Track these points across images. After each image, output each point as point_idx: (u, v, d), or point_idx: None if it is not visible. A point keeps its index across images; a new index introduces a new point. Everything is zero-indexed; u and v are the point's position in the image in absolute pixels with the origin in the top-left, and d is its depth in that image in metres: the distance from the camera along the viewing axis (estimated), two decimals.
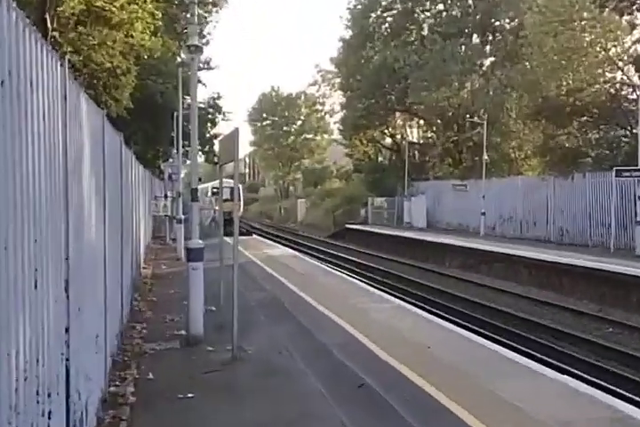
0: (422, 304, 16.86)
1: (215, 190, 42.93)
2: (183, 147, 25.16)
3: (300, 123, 76.35)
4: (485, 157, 33.96)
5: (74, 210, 4.66)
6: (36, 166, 3.53)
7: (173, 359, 8.48)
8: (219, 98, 37.30)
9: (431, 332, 10.00)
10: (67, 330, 4.32)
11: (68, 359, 4.30)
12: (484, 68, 41.64)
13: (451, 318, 14.93)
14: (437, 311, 15.78)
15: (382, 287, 19.08)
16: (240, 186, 30.26)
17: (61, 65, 4.24)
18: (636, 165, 22.10)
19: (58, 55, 4.15)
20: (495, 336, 13.24)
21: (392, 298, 13.73)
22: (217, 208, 28.49)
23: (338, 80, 52.87)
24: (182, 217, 21.19)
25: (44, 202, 3.66)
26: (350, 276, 19.47)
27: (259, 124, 79.58)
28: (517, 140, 38.73)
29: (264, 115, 78.19)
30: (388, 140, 51.47)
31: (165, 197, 26.11)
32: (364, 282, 18.14)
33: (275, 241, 33.85)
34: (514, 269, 22.93)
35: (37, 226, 3.52)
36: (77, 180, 4.92)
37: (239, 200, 32.36)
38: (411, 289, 20.80)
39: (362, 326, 10.16)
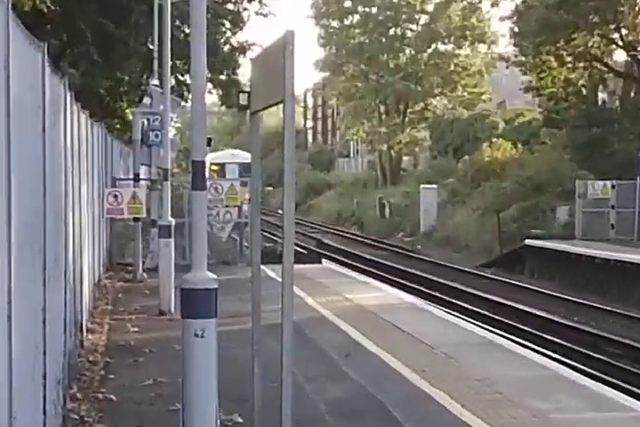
0: None
1: (215, 167, 43.57)
2: (173, 74, 25.48)
3: (424, 20, 76.26)
4: None
5: None
6: None
7: None
8: None
9: None
10: None
11: None
12: None
13: None
14: None
15: (613, 380, 19.16)
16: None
17: None
18: None
19: None
20: None
21: (637, 402, 13.62)
22: (245, 202, 28.94)
23: None
24: (172, 223, 21.42)
25: None
26: (535, 351, 19.41)
27: (334, 26, 79.89)
28: None
29: (346, 4, 78.48)
30: (620, 57, 50.95)
31: (136, 179, 26.47)
32: (565, 363, 18.23)
33: (369, 275, 33.95)
34: None
35: None
36: None
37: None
38: None
39: None
